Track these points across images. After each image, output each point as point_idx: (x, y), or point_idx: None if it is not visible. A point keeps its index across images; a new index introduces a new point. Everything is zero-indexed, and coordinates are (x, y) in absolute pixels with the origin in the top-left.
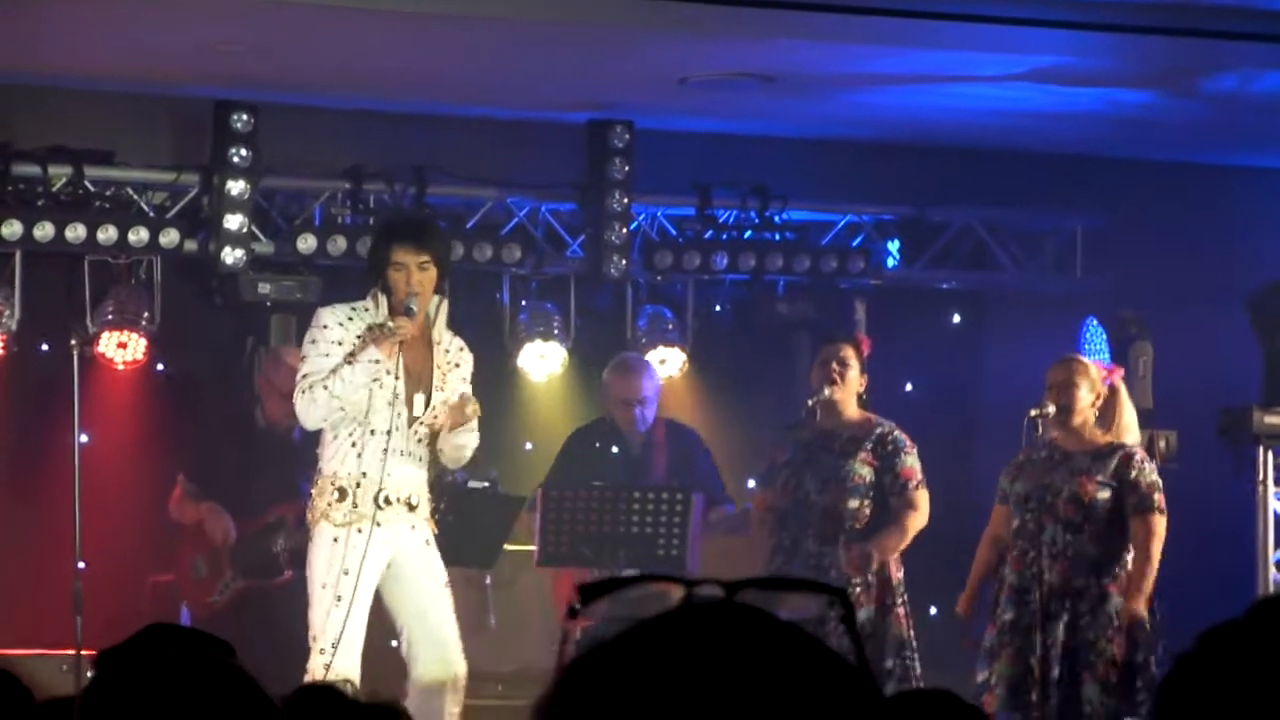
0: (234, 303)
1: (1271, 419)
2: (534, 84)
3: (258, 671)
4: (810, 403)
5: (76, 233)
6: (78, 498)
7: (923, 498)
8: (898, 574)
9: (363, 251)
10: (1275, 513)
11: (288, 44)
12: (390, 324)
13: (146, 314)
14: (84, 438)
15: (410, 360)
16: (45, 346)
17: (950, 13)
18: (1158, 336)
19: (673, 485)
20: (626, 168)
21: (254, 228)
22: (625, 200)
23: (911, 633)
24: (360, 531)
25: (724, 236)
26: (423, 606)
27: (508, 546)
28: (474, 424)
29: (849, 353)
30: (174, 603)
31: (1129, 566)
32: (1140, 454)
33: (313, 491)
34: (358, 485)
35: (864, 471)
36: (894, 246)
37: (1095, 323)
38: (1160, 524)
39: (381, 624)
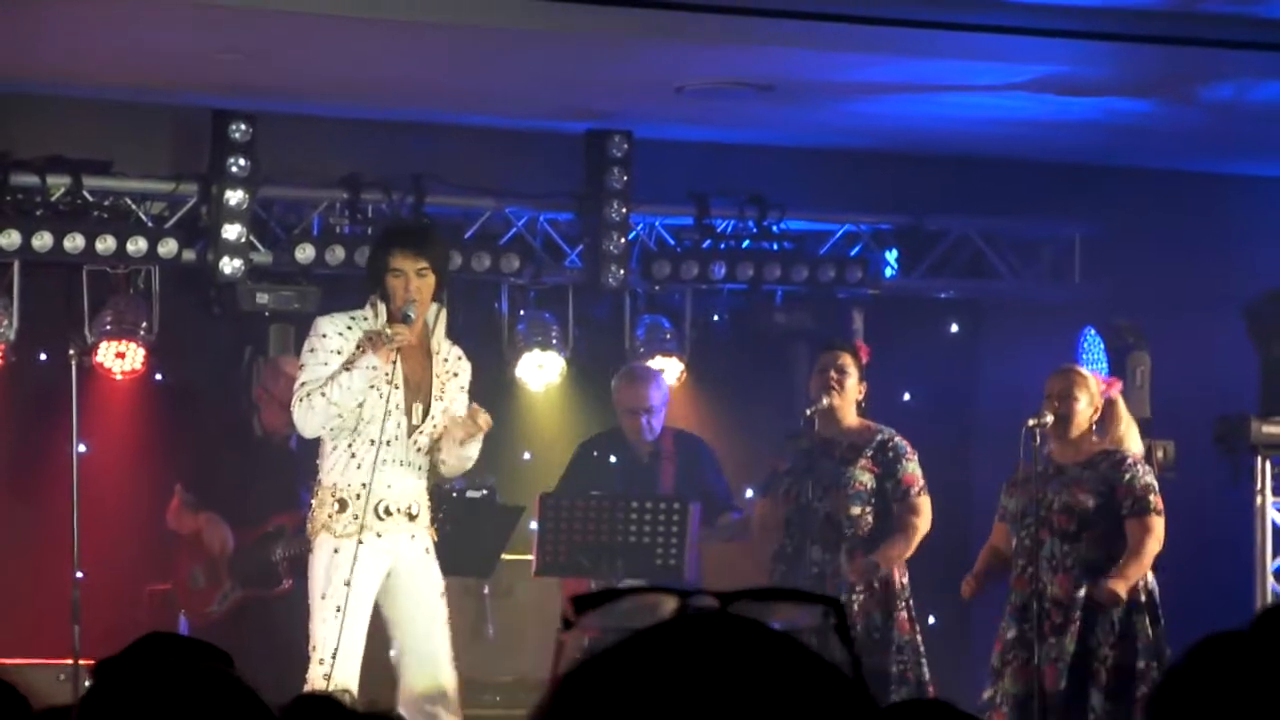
0: (232, 312)
1: (1269, 428)
2: (532, 93)
3: (257, 681)
4: (809, 411)
5: (75, 242)
6: (76, 507)
7: (925, 504)
8: (902, 579)
9: (361, 261)
10: (1273, 522)
11: (286, 53)
12: (388, 331)
13: (145, 324)
14: (82, 447)
15: (409, 370)
16: (43, 356)
17: (947, 22)
18: (1155, 345)
19: (670, 495)
20: (624, 177)
21: (252, 237)
22: (623, 210)
23: (919, 637)
24: (361, 542)
25: (722, 246)
26: (414, 617)
27: (505, 556)
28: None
29: (847, 361)
30: (172, 612)
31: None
32: (1131, 458)
33: (313, 502)
34: (358, 496)
35: (865, 478)
36: (891, 256)
37: (1093, 332)
38: (1158, 525)
39: (381, 634)
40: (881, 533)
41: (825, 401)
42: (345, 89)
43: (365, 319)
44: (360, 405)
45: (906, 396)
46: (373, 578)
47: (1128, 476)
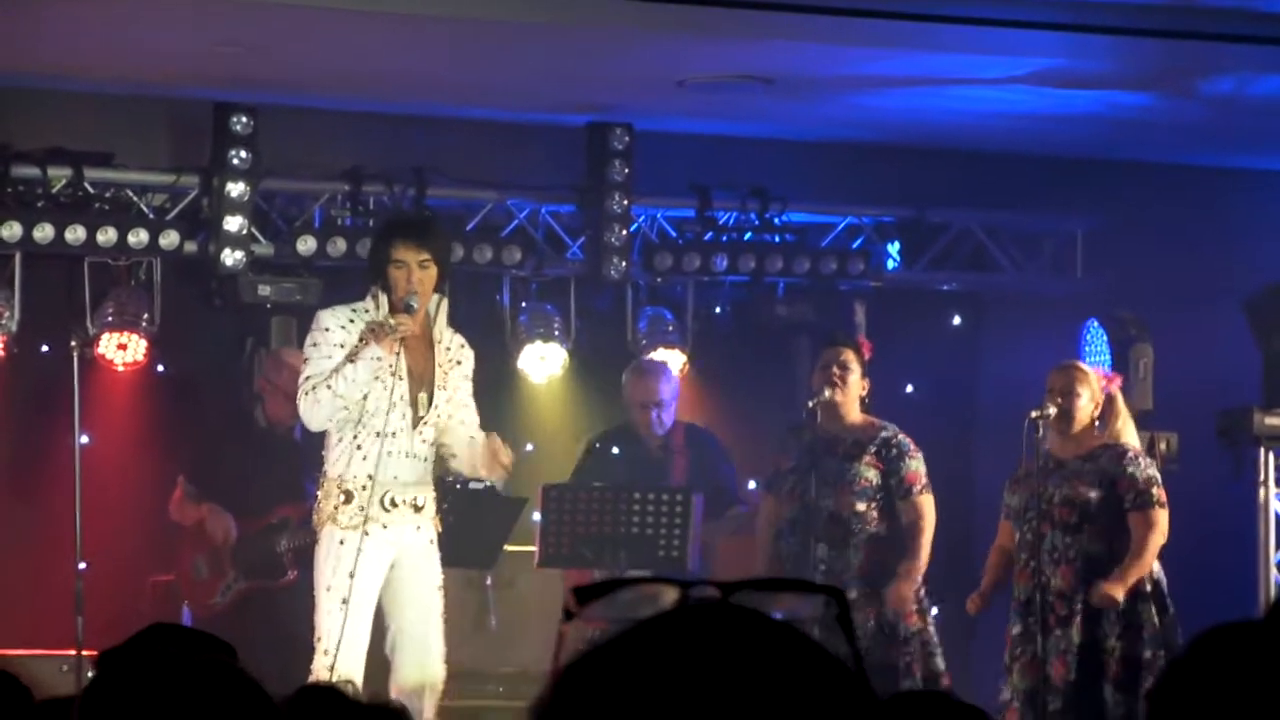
0: (234, 304)
1: (1271, 420)
2: (533, 86)
3: (261, 672)
4: (811, 403)
5: (76, 234)
6: (78, 498)
7: (928, 502)
8: None
9: (362, 253)
10: (1276, 514)
11: (287, 46)
12: (391, 322)
13: (146, 315)
14: (84, 439)
15: (413, 361)
16: (45, 348)
17: (949, 15)
18: (1157, 338)
19: (673, 486)
20: (626, 170)
21: (254, 229)
22: (625, 202)
23: (931, 628)
24: (366, 534)
25: (724, 238)
26: (409, 608)
27: (508, 547)
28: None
29: (850, 356)
30: (175, 603)
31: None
32: (1133, 450)
33: (319, 494)
34: (364, 488)
35: (870, 475)
36: (894, 248)
37: (1095, 324)
38: (1161, 517)
39: (380, 624)
40: (888, 529)
41: (827, 394)
42: (347, 82)
43: (367, 311)
44: (365, 397)
45: (909, 389)
46: (377, 569)
47: (1129, 469)
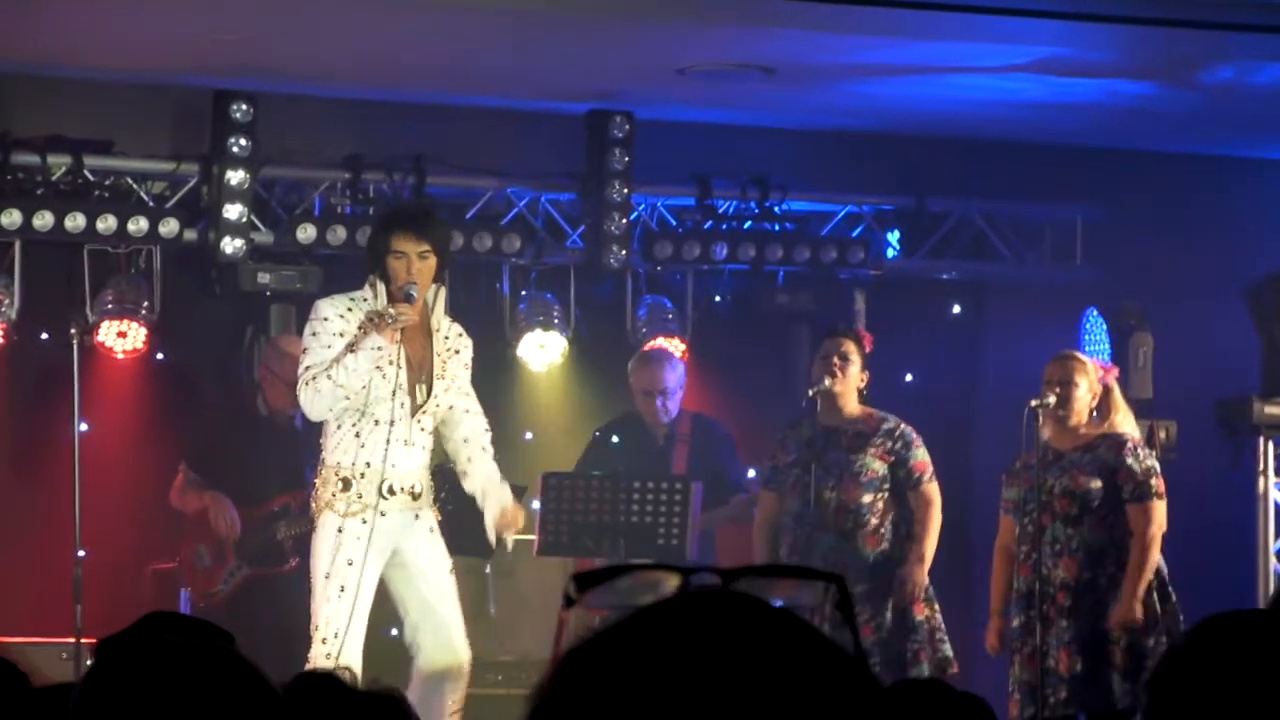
0: (233, 292)
1: (1271, 409)
2: (533, 74)
3: (263, 659)
4: (811, 392)
5: (76, 222)
6: (77, 486)
7: (935, 491)
8: None
9: (362, 241)
10: (1275, 503)
11: (287, 33)
12: (391, 311)
13: (146, 303)
14: (84, 426)
15: (411, 350)
16: (45, 336)
17: (950, 4)
18: (1157, 327)
19: (672, 475)
20: (626, 158)
21: (253, 217)
22: (625, 190)
23: (938, 616)
24: (364, 522)
25: (724, 227)
26: (427, 595)
27: (507, 536)
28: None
29: (850, 347)
30: (174, 590)
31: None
32: (1132, 441)
33: (316, 481)
34: (361, 475)
35: (877, 466)
36: (894, 237)
37: (1095, 313)
38: (1159, 510)
39: (382, 613)
40: (896, 519)
41: (826, 383)
42: (347, 70)
43: (365, 300)
44: (365, 386)
45: (908, 378)
46: (376, 557)
47: (1128, 460)
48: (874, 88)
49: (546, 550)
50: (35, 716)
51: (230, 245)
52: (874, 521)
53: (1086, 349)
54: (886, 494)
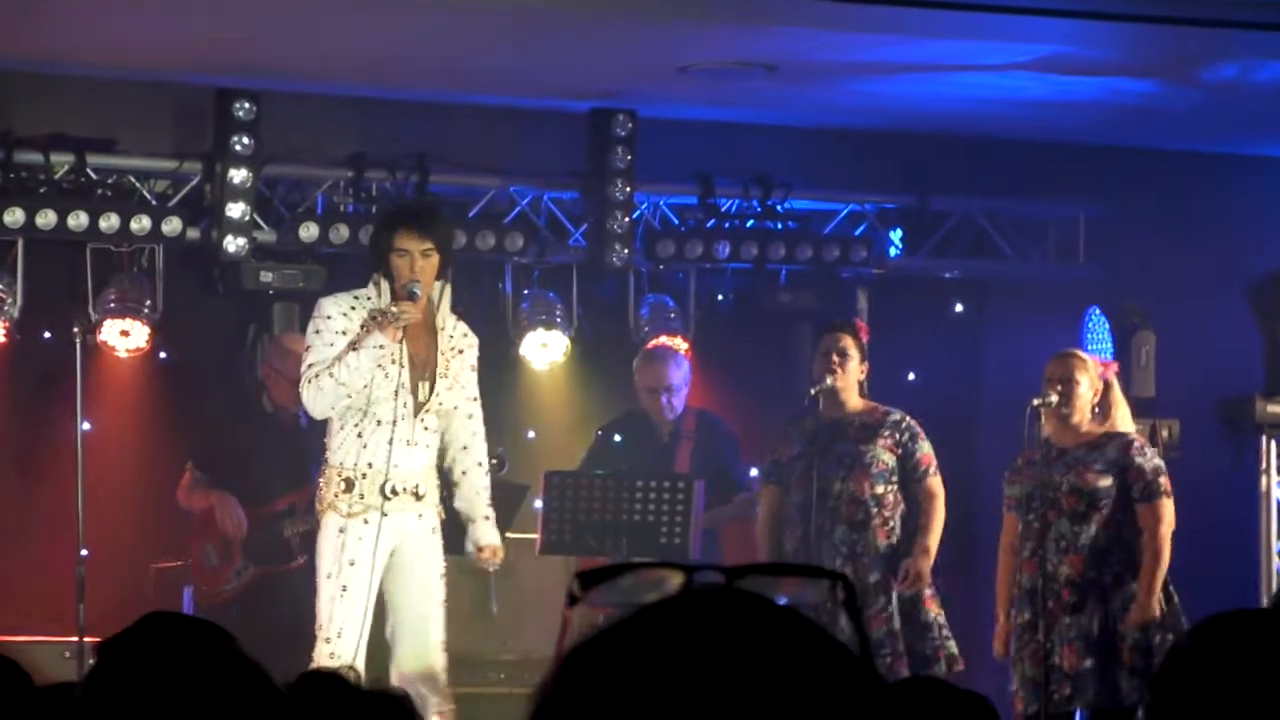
0: (236, 291)
1: (1273, 408)
2: (536, 72)
3: (273, 657)
4: (813, 391)
5: (79, 221)
6: (80, 485)
7: (939, 484)
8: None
9: (365, 240)
10: (1277, 501)
11: (290, 32)
12: (394, 309)
13: (149, 302)
14: (86, 425)
15: (415, 348)
16: (48, 334)
17: (951, 2)
18: (1159, 325)
19: (675, 473)
20: (629, 156)
21: (256, 216)
22: (627, 189)
23: (942, 614)
24: (366, 522)
25: (726, 225)
26: (412, 595)
27: (510, 534)
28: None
29: (848, 342)
30: (177, 589)
31: (1140, 556)
32: (1139, 440)
33: (320, 481)
34: (364, 476)
35: (886, 457)
36: (896, 235)
37: (1098, 312)
38: (1169, 508)
39: (384, 612)
40: (904, 511)
41: (828, 381)
42: (350, 68)
43: (369, 298)
44: (367, 385)
45: (910, 376)
46: (378, 557)
47: (1138, 459)
48: (876, 86)
49: (549, 549)
50: (38, 715)
51: (233, 244)
52: (884, 513)
53: (1089, 348)
54: (895, 486)
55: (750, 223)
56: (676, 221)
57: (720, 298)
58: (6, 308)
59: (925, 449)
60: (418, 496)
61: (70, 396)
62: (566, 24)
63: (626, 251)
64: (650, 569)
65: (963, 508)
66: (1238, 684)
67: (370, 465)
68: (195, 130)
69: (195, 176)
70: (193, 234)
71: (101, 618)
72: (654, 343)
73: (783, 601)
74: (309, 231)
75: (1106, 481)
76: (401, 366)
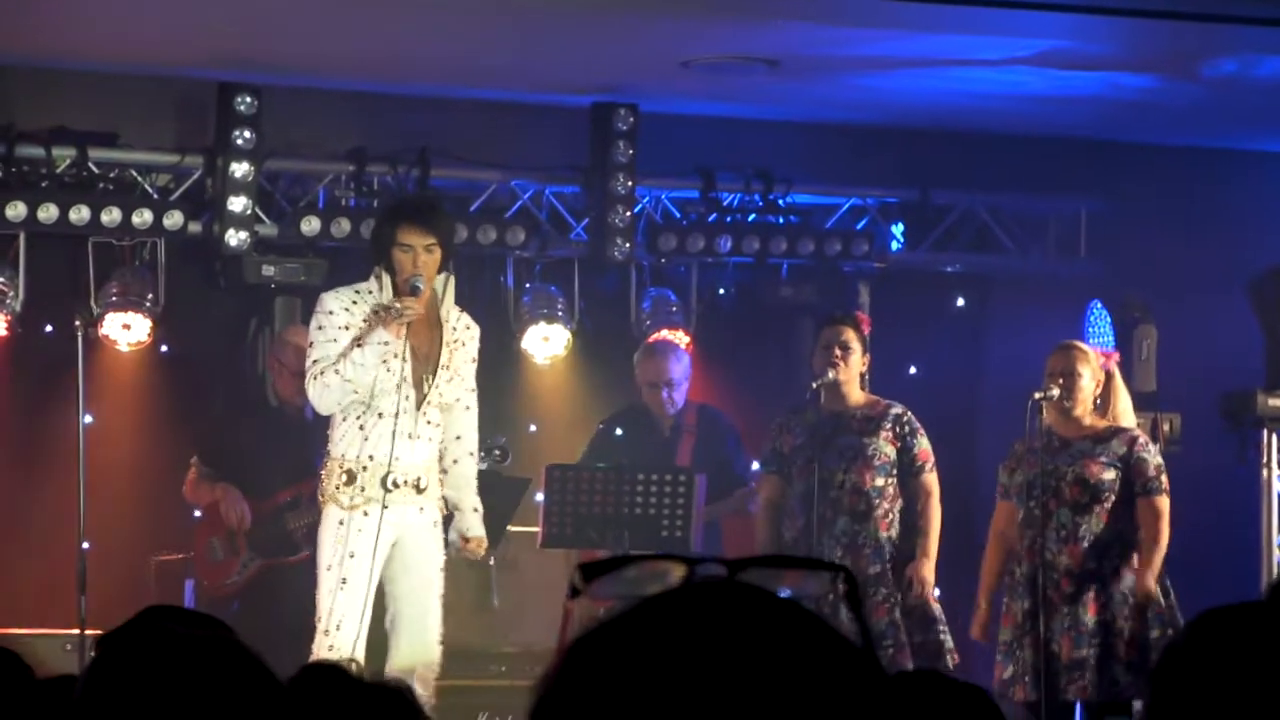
0: (238, 285)
1: (1275, 402)
2: (538, 66)
3: (279, 650)
4: (815, 385)
5: (80, 214)
6: (82, 478)
7: (935, 481)
8: None
9: (367, 234)
10: (1279, 495)
11: (292, 26)
12: (397, 305)
13: (150, 296)
14: (88, 418)
15: (417, 342)
16: (49, 328)
17: None
18: (1160, 319)
19: (676, 467)
20: (630, 150)
21: (258, 210)
22: (629, 183)
23: (939, 609)
24: (367, 514)
25: (728, 219)
26: (410, 589)
27: (512, 528)
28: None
29: (850, 335)
30: (178, 582)
31: (1140, 547)
32: (1143, 437)
33: (322, 473)
34: (365, 468)
35: (888, 450)
36: (898, 230)
37: (1099, 306)
38: (1167, 504)
39: (384, 605)
40: (903, 505)
41: (831, 375)
42: (351, 62)
43: (370, 292)
44: (374, 380)
45: (912, 370)
46: (378, 550)
47: (1142, 455)
48: (877, 81)
49: (551, 542)
50: (39, 708)
51: (234, 238)
52: (885, 505)
53: (1090, 342)
54: (894, 479)
55: (752, 217)
56: (678, 215)
57: (722, 292)
58: (8, 301)
59: (923, 444)
60: (419, 489)
61: (72, 390)
62: (568, 18)
63: (628, 246)
64: (652, 561)
65: (963, 502)
66: (1236, 678)
67: (371, 458)
68: (197, 124)
69: (197, 170)
70: (194, 228)
71: (103, 610)
72: (654, 337)
73: (785, 594)
74: (310, 225)
75: (1110, 474)
76: (404, 360)
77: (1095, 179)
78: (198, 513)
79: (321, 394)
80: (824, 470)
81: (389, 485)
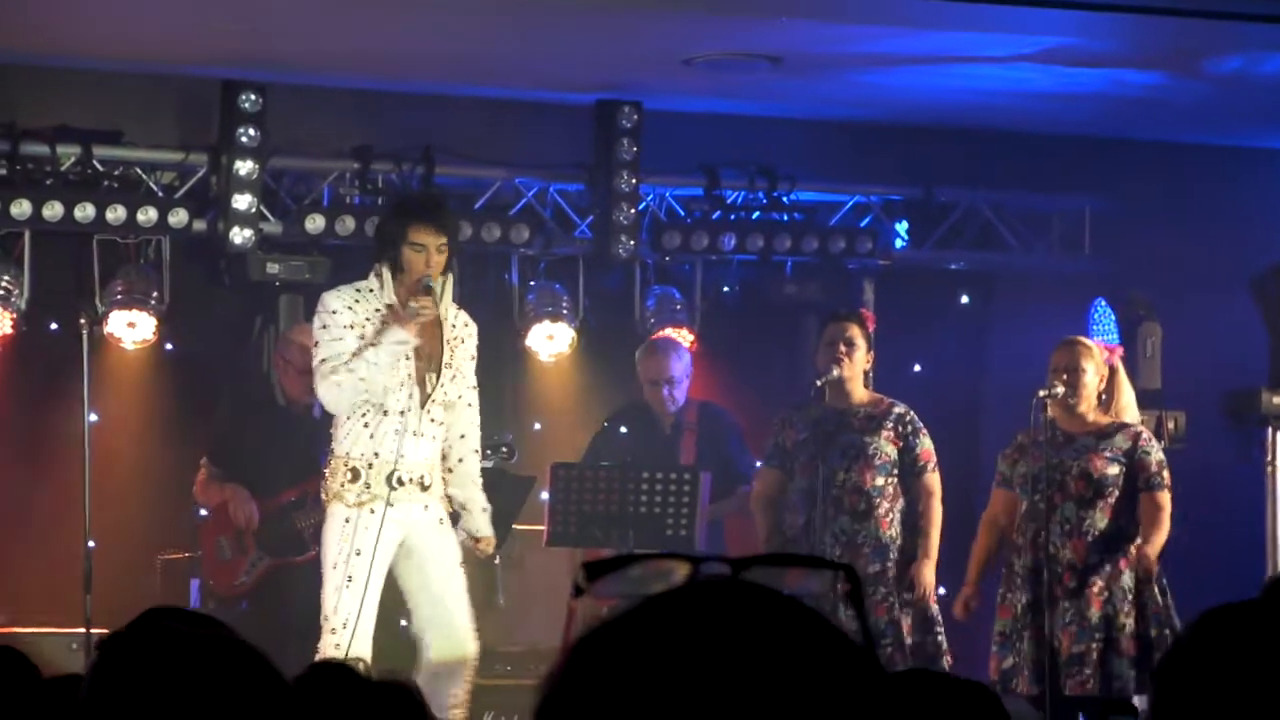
0: (242, 283)
1: (1279, 399)
2: (541, 64)
3: (288, 648)
4: (819, 383)
5: (85, 212)
6: (87, 477)
7: (937, 481)
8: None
9: (371, 232)
10: None
11: (295, 24)
12: (413, 305)
13: (155, 294)
14: (93, 417)
15: (420, 341)
16: (54, 326)
17: None
18: (1165, 317)
19: (681, 465)
20: (634, 148)
21: (262, 208)
22: (633, 181)
23: (937, 609)
24: (373, 512)
25: (732, 217)
26: (434, 586)
27: (517, 526)
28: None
29: (855, 332)
30: (184, 580)
31: (1141, 534)
32: (1146, 432)
33: (326, 472)
34: (370, 466)
35: (889, 449)
36: (902, 227)
37: (1103, 303)
38: (1168, 499)
39: (393, 604)
40: (903, 504)
41: (835, 373)
42: (356, 60)
43: (371, 290)
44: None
45: (916, 368)
46: (384, 547)
47: (1147, 449)
48: (881, 78)
49: (555, 541)
50: (45, 706)
51: (239, 235)
52: (885, 504)
53: (1094, 339)
54: (896, 478)
55: (756, 214)
56: (682, 213)
57: (726, 289)
58: (13, 299)
59: (926, 444)
60: (423, 487)
61: (77, 388)
62: (572, 16)
63: (632, 243)
64: (656, 560)
65: (966, 499)
66: (1240, 676)
67: (377, 455)
68: (201, 122)
69: (201, 168)
70: (199, 225)
71: (108, 609)
72: (656, 335)
73: (789, 593)
74: (315, 223)
75: (1115, 469)
76: (409, 359)
77: (1100, 176)
78: (203, 511)
79: (335, 394)
80: (825, 468)
81: (394, 483)
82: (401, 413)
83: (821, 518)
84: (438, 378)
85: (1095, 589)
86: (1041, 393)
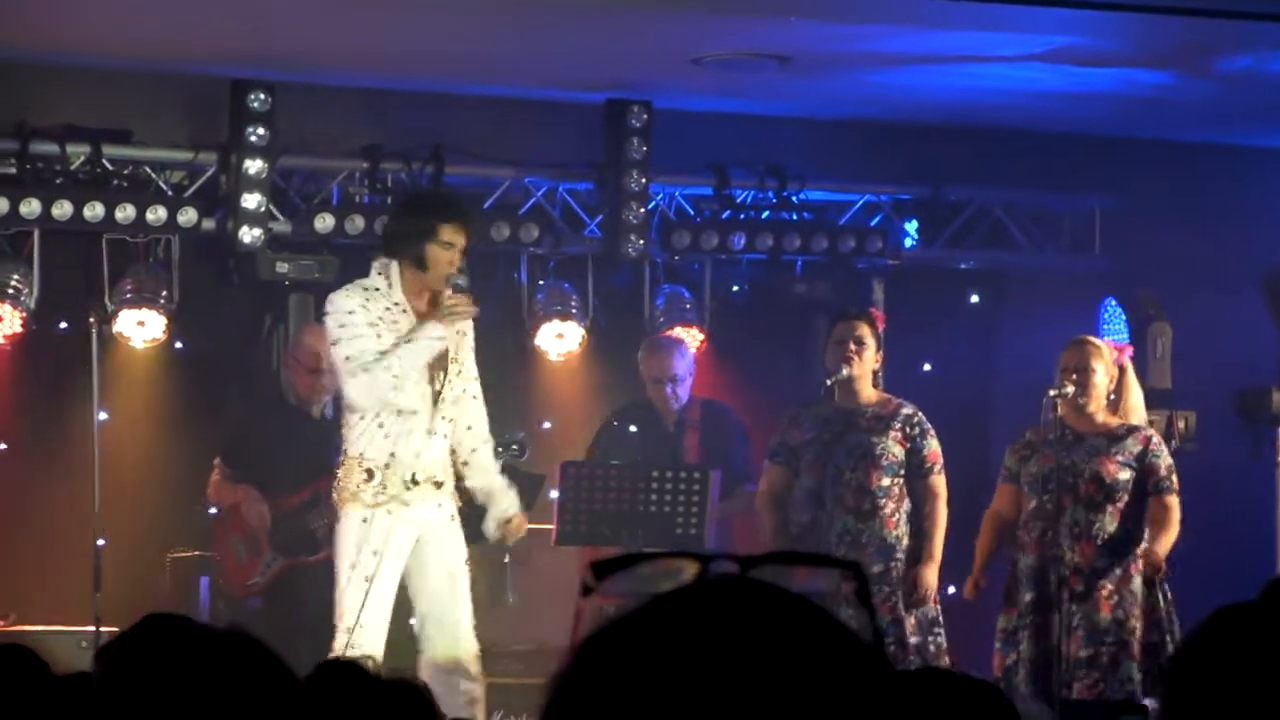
0: (252, 282)
1: None
2: (551, 63)
3: (302, 648)
4: (829, 382)
5: (94, 211)
6: (97, 475)
7: (943, 484)
8: None
9: (380, 231)
10: None
11: (305, 23)
12: (449, 303)
13: (165, 293)
14: (103, 415)
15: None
16: (64, 325)
17: None
18: (1175, 316)
19: (690, 464)
20: (644, 147)
21: (272, 207)
22: (643, 180)
23: (939, 611)
24: (390, 513)
25: (741, 216)
26: (437, 585)
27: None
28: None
29: (864, 331)
30: (193, 579)
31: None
32: (1156, 436)
33: (339, 473)
34: (386, 466)
35: (896, 450)
36: (912, 226)
37: (1114, 303)
38: (1176, 503)
39: (404, 601)
40: (909, 505)
41: (845, 372)
42: (365, 59)
43: (378, 289)
44: (398, 375)
45: (926, 367)
46: (401, 547)
47: (1157, 454)
48: (890, 77)
49: (564, 539)
50: (55, 704)
51: (248, 235)
52: (890, 505)
53: (1104, 338)
54: (902, 479)
55: (765, 214)
56: (692, 212)
57: (735, 289)
58: (23, 298)
59: (933, 446)
60: (438, 485)
61: (86, 387)
62: (581, 15)
63: (642, 242)
64: (665, 559)
65: (975, 499)
66: (1251, 676)
67: (393, 455)
68: (210, 121)
69: (210, 167)
70: (208, 225)
71: (117, 607)
72: (660, 333)
73: (801, 589)
74: (324, 223)
75: (1126, 474)
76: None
77: (1109, 176)
78: (213, 510)
79: (367, 389)
80: (832, 467)
81: (410, 483)
82: (415, 412)
83: (827, 517)
84: (445, 374)
85: (1104, 593)
86: (1051, 392)
